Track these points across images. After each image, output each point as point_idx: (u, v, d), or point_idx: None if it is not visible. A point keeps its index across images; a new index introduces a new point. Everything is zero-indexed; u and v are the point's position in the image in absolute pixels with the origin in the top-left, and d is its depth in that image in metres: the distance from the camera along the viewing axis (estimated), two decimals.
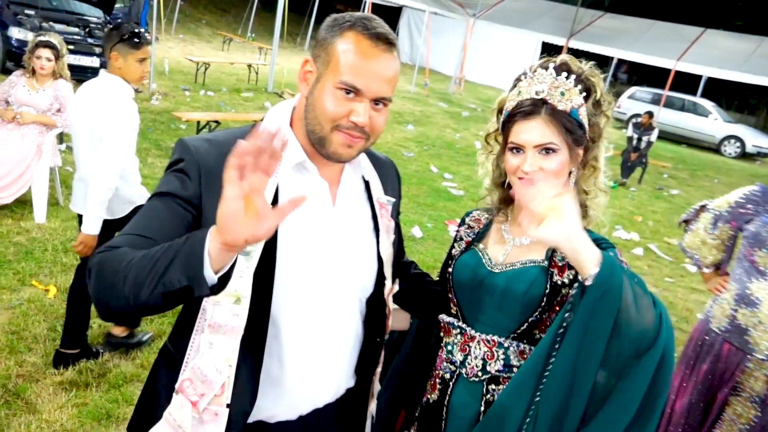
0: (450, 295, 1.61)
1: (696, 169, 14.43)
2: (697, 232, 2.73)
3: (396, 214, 1.56)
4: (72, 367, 3.08)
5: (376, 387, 1.58)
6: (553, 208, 1.25)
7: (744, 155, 18.01)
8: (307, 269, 1.30)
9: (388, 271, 1.48)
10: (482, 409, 1.49)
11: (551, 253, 1.50)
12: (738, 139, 18.12)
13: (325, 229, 1.33)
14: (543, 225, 1.23)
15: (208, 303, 1.19)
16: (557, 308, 1.47)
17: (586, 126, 1.48)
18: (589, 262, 1.26)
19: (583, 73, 1.48)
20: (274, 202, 1.24)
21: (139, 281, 1.03)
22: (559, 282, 1.46)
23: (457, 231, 1.72)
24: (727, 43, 20.00)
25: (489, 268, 1.54)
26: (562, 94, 1.44)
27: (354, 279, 1.40)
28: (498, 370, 1.49)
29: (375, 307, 1.47)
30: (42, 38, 4.75)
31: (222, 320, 1.18)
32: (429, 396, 1.62)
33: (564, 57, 1.51)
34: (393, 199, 1.50)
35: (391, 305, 1.54)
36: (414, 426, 1.64)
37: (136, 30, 2.98)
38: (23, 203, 4.80)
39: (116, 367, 3.16)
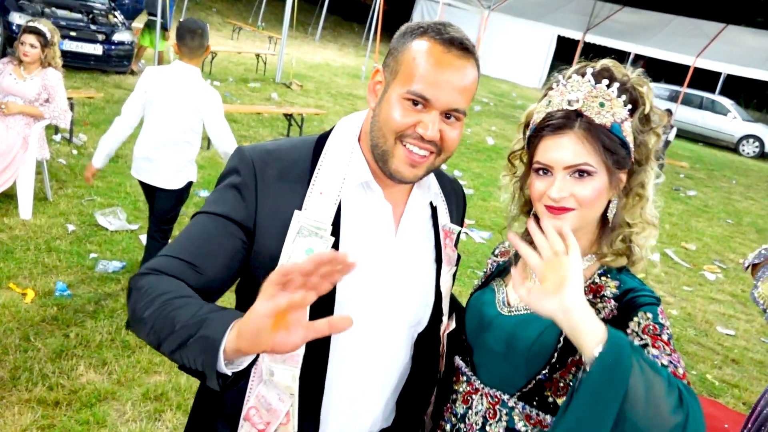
0: (463, 335, 1.40)
1: (713, 169, 14.05)
2: None
3: (456, 244, 1.44)
4: (42, 383, 2.84)
5: (428, 426, 1.47)
6: (552, 268, 1.02)
7: (763, 155, 17.65)
8: (365, 299, 1.22)
9: (445, 306, 1.38)
10: None
11: None
12: (757, 138, 17.74)
13: (385, 257, 1.25)
14: (537, 290, 1.03)
15: None
16: (572, 369, 1.20)
17: (631, 145, 1.22)
18: (589, 341, 1.01)
19: (629, 81, 1.23)
20: (336, 220, 1.19)
21: (160, 338, 1.01)
22: None
23: (486, 265, 1.52)
24: (748, 40, 19.53)
25: (499, 309, 1.31)
26: (602, 105, 1.19)
27: (409, 312, 1.30)
28: None
29: (427, 343, 1.36)
30: (30, 23, 4.50)
31: None
32: None
33: (606, 62, 1.25)
34: (458, 228, 1.40)
35: (445, 343, 1.42)
36: None
37: None
38: (9, 198, 4.57)
39: (90, 383, 2.91)
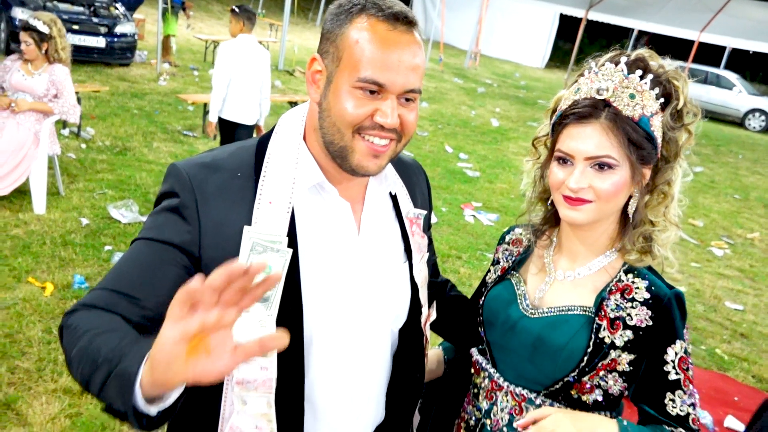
0: (480, 330, 1.39)
1: (720, 145, 13.99)
2: None
3: (428, 227, 1.37)
4: (66, 374, 2.92)
5: (416, 419, 1.43)
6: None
7: None
8: (335, 309, 1.13)
9: (423, 297, 1.30)
10: None
11: (601, 299, 1.24)
12: (763, 112, 17.61)
13: (350, 260, 1.15)
14: None
15: None
16: (601, 372, 1.21)
17: (659, 140, 1.20)
18: None
19: (664, 74, 1.20)
20: (291, 229, 1.08)
21: (86, 379, 0.92)
22: (608, 340, 1.21)
23: (496, 251, 1.48)
24: (753, 13, 19.31)
25: (523, 310, 1.30)
26: (632, 96, 1.16)
27: (386, 311, 1.22)
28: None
29: (410, 337, 1.28)
30: (27, 19, 4.51)
31: (250, 376, 1.04)
32: None
33: (641, 52, 1.22)
34: (424, 212, 1.30)
35: (428, 334, 1.37)
36: None
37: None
38: (22, 193, 4.63)
39: None
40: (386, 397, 1.28)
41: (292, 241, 1.06)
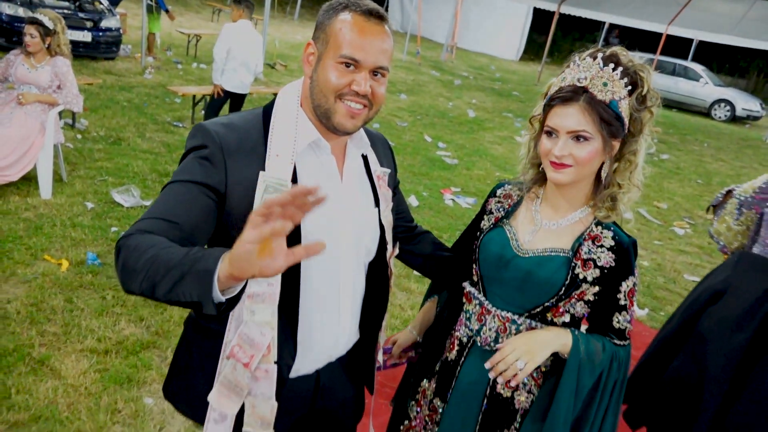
0: (474, 266, 1.71)
1: (686, 134, 14.55)
2: (723, 217, 2.71)
3: (394, 184, 1.69)
4: (91, 336, 3.24)
5: (382, 338, 1.73)
6: (517, 354, 1.52)
7: (734, 119, 18.12)
8: (325, 238, 1.42)
9: (389, 237, 1.62)
10: (492, 375, 1.61)
11: (578, 244, 1.56)
12: (728, 102, 18.19)
13: (336, 201, 1.44)
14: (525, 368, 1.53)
15: None
16: (572, 299, 1.57)
17: (626, 119, 1.49)
18: (563, 349, 1.55)
19: (632, 67, 1.48)
20: (294, 174, 1.37)
21: (155, 282, 1.10)
22: (581, 276, 1.54)
23: (487, 202, 1.77)
24: (718, 6, 19.88)
25: (515, 251, 1.60)
26: (605, 84, 1.45)
27: (361, 245, 1.53)
28: None
29: (378, 269, 1.61)
30: (33, 15, 4.78)
31: (259, 290, 1.30)
32: (448, 354, 1.74)
33: (615, 49, 1.51)
34: (388, 170, 1.63)
35: (392, 267, 1.68)
36: (434, 378, 1.78)
37: None
38: (28, 180, 4.90)
39: (132, 335, 3.32)
40: (360, 318, 1.60)
41: (295, 185, 1.34)
